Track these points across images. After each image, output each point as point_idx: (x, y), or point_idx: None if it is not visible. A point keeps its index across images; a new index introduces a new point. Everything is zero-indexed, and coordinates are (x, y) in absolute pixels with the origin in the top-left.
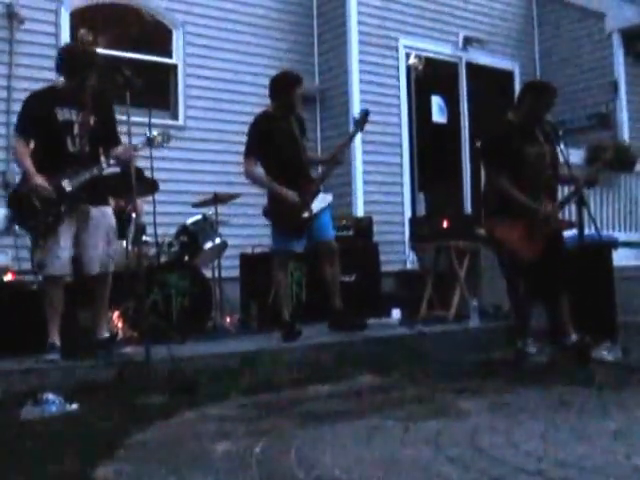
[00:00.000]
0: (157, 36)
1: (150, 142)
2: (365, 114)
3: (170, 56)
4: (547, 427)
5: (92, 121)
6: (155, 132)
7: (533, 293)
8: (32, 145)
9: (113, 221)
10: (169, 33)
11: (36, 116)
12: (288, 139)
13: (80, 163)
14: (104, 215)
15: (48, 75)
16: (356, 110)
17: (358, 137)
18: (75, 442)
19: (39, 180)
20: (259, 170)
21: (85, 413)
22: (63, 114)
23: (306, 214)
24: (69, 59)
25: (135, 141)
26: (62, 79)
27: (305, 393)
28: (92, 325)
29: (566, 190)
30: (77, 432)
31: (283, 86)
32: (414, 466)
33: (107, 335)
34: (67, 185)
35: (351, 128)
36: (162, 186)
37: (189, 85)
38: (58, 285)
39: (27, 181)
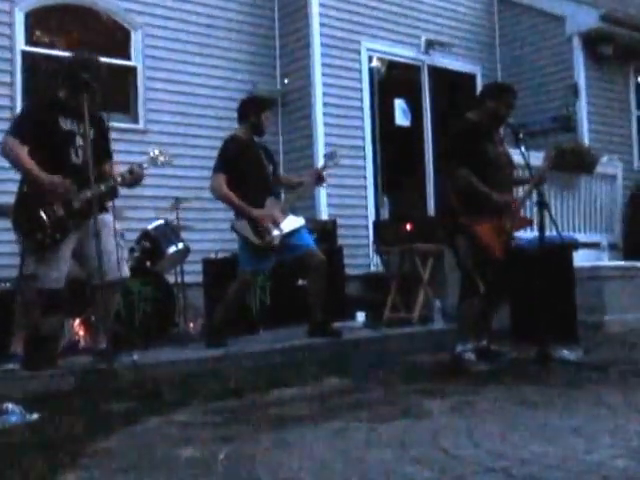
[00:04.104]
0: (115, 38)
1: (154, 161)
2: (334, 153)
3: (129, 58)
4: (509, 426)
5: (92, 134)
6: (157, 151)
7: (500, 293)
8: (27, 152)
9: (117, 226)
10: (128, 35)
11: (40, 123)
12: (256, 164)
13: (82, 175)
14: (108, 220)
15: (3, 78)
16: (319, 113)
17: (321, 141)
18: (37, 452)
19: (54, 177)
20: (226, 188)
21: (47, 423)
22: (66, 124)
23: (276, 232)
24: (77, 73)
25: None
26: (63, 91)
27: (270, 397)
28: (89, 337)
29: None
30: (39, 442)
31: (252, 109)
32: (379, 467)
33: (104, 346)
34: (76, 201)
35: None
36: (122, 191)
37: (149, 88)
38: (44, 298)
39: (35, 182)
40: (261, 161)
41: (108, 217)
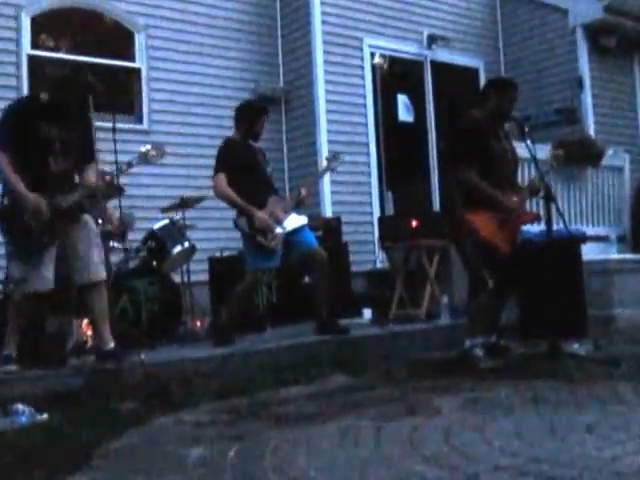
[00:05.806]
0: (119, 40)
1: (144, 157)
2: (335, 156)
3: (133, 60)
4: (520, 423)
5: (73, 138)
6: (149, 146)
7: (509, 288)
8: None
9: (95, 226)
10: (131, 36)
11: (20, 129)
12: (255, 163)
13: (61, 182)
14: (87, 222)
15: (9, 82)
16: (322, 110)
17: (325, 138)
18: (47, 452)
19: (35, 200)
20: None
21: (56, 423)
22: (47, 130)
23: (278, 229)
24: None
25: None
26: (47, 92)
27: (278, 395)
28: (94, 337)
29: None
30: (49, 442)
31: (245, 116)
32: (389, 465)
33: (112, 345)
34: (63, 202)
35: (322, 165)
36: (127, 191)
37: (153, 89)
38: (34, 301)
39: (17, 198)
40: (260, 162)
41: (87, 217)
